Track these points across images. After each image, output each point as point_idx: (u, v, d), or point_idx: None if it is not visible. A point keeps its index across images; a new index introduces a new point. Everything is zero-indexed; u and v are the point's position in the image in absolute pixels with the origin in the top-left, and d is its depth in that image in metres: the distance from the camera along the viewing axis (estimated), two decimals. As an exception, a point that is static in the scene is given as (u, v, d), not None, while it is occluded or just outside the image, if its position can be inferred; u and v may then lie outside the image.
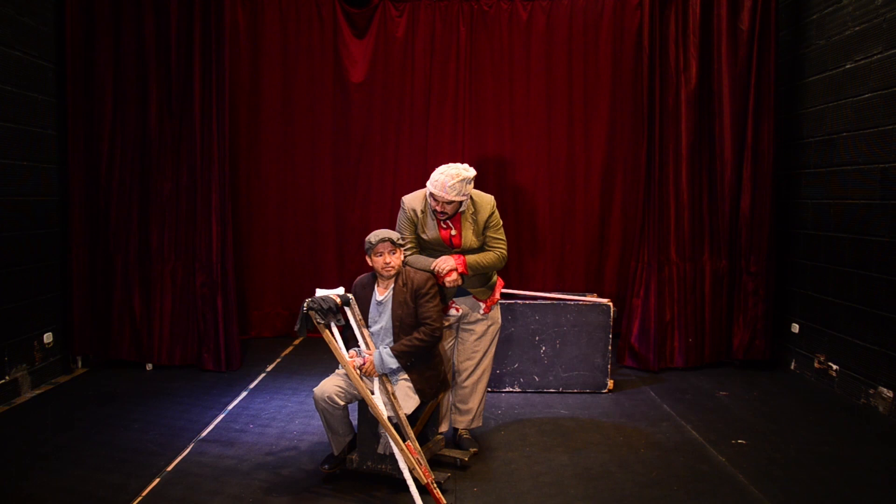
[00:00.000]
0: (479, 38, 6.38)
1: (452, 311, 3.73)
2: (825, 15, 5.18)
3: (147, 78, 5.28)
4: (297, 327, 3.37)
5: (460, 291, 3.70)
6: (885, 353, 4.47)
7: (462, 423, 3.87)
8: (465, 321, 3.79)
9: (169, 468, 3.59)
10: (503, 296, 5.28)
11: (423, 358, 3.43)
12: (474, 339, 3.79)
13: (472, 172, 3.53)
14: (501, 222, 3.74)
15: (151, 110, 5.29)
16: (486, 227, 3.66)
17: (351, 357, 3.36)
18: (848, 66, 4.90)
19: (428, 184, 3.54)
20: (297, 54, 6.38)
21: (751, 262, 5.55)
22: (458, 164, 3.54)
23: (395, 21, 6.39)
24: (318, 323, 3.33)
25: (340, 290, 3.49)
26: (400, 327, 3.41)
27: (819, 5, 5.25)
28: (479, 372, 3.82)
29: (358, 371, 3.30)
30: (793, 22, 5.63)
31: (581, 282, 6.50)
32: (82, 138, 5.24)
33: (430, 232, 3.62)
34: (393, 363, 3.31)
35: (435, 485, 3.10)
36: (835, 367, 5.00)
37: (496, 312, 3.85)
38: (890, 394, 4.42)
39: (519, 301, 4.97)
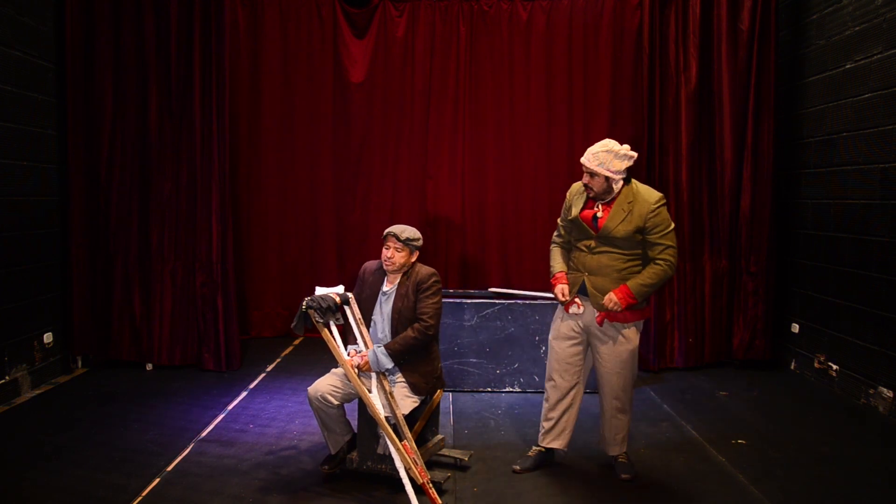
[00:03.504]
0: (479, 38, 6.38)
1: (574, 308, 3.49)
2: (825, 15, 5.17)
3: (147, 78, 5.27)
4: (294, 324, 3.37)
5: (584, 290, 3.46)
6: (885, 353, 4.47)
7: (611, 447, 3.60)
8: (594, 336, 3.49)
9: (169, 468, 3.58)
10: (502, 296, 5.30)
11: (419, 353, 3.44)
12: (601, 359, 3.48)
13: (624, 150, 3.33)
14: (673, 225, 3.41)
15: (151, 110, 5.29)
16: (648, 229, 3.35)
17: (350, 356, 3.36)
18: (848, 66, 4.89)
19: None
20: (297, 54, 6.37)
21: (751, 262, 5.54)
22: (616, 142, 3.36)
23: (395, 21, 6.38)
24: (318, 322, 3.33)
25: (340, 289, 3.49)
26: (398, 319, 3.42)
27: (819, 5, 5.25)
28: (610, 396, 3.51)
29: (356, 370, 3.30)
30: (793, 22, 5.63)
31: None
32: (82, 138, 5.24)
33: (576, 209, 3.53)
34: (388, 362, 3.31)
35: (431, 485, 3.09)
36: (835, 367, 5.00)
37: (631, 332, 3.45)
38: (890, 394, 4.42)
39: (519, 301, 4.97)
